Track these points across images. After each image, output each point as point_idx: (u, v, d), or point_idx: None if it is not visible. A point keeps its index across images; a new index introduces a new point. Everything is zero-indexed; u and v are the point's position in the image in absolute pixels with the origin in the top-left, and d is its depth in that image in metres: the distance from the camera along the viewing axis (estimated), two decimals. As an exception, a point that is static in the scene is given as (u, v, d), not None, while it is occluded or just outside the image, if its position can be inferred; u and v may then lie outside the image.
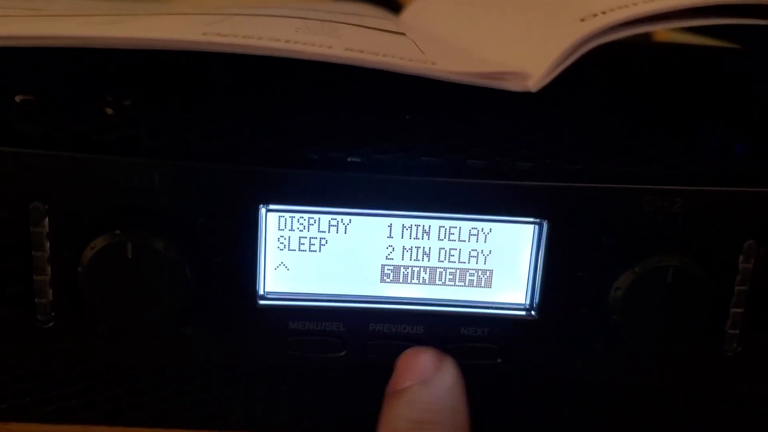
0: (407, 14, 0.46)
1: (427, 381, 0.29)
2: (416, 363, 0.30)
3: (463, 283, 0.31)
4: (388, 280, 0.30)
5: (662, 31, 0.47)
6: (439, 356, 0.30)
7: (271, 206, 0.29)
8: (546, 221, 0.29)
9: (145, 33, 0.23)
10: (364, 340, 0.30)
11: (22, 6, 0.34)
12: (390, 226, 0.30)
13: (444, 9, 0.40)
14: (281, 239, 0.30)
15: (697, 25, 0.24)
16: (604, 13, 0.23)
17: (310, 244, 0.30)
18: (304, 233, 0.30)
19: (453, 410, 0.28)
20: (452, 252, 0.30)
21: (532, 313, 0.30)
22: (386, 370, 0.30)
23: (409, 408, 0.28)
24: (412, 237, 0.30)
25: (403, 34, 0.32)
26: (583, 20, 0.23)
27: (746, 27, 0.26)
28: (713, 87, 0.32)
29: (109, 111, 0.28)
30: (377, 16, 0.41)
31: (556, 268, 0.30)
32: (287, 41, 0.23)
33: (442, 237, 0.30)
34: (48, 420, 0.32)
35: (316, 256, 0.30)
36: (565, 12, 0.24)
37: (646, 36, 0.49)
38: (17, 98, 0.29)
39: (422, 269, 0.30)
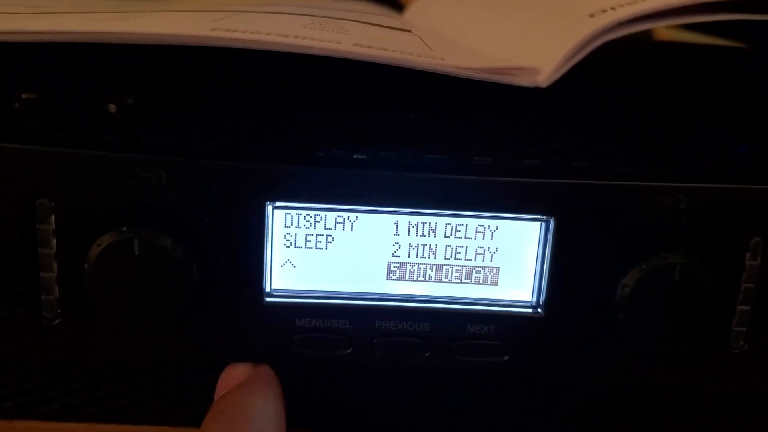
0: (411, 12, 0.46)
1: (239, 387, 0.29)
2: (230, 374, 0.30)
3: (469, 281, 0.31)
4: (394, 277, 0.30)
5: (666, 30, 0.47)
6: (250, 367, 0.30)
7: (278, 203, 0.29)
8: (552, 218, 0.29)
9: (155, 28, 0.23)
10: (370, 337, 0.30)
11: (25, 3, 0.34)
12: (396, 223, 0.30)
13: (448, 7, 0.40)
14: (288, 236, 0.30)
15: (705, 20, 0.24)
16: (613, 9, 0.23)
17: (317, 242, 0.30)
18: (311, 230, 0.30)
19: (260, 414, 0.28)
20: (458, 249, 0.30)
21: (539, 310, 0.30)
22: (393, 368, 0.30)
23: (216, 414, 0.28)
24: (419, 234, 0.30)
25: (409, 31, 0.32)
26: (592, 16, 0.23)
27: (752, 25, 0.26)
28: (717, 85, 0.32)
29: (112, 108, 0.28)
30: (381, 14, 0.41)
31: (562, 266, 0.30)
32: (296, 36, 0.23)
33: (448, 234, 0.30)
34: (52, 418, 0.32)
35: (323, 253, 0.30)
36: (574, 8, 0.24)
37: (650, 35, 0.49)
38: (23, 96, 0.28)
39: (428, 266, 0.30)
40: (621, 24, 0.23)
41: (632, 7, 0.23)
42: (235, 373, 0.30)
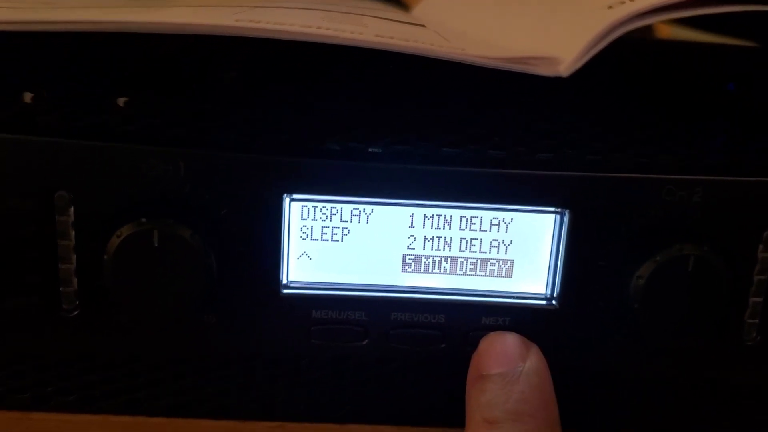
0: (419, 10, 0.46)
1: (518, 369, 0.28)
2: (504, 348, 0.29)
3: (484, 273, 0.31)
4: (409, 269, 0.31)
5: (677, 29, 0.47)
6: (525, 343, 0.30)
7: (295, 196, 0.29)
8: (567, 211, 0.30)
9: (180, 18, 0.23)
10: (386, 329, 0.30)
11: None
12: (411, 215, 0.30)
13: (457, 5, 0.40)
14: (304, 229, 0.30)
15: (722, 12, 0.24)
16: (631, 0, 0.23)
17: (333, 234, 0.30)
18: (327, 223, 0.30)
19: (546, 402, 0.28)
20: (473, 242, 0.31)
21: (553, 302, 0.31)
22: (408, 359, 0.30)
23: (503, 396, 0.28)
24: (434, 227, 0.30)
25: (424, 26, 0.32)
26: (611, 8, 0.23)
27: (763, 23, 0.26)
28: (729, 80, 0.33)
29: (121, 102, 0.29)
30: (393, 11, 0.41)
31: (576, 258, 0.30)
32: (319, 27, 0.23)
33: (463, 227, 0.30)
34: (69, 409, 0.32)
35: (339, 245, 0.30)
36: (592, 0, 0.24)
37: (658, 32, 0.49)
38: (40, 89, 0.29)
39: (443, 259, 0.31)
40: (639, 15, 0.23)
41: (650, -1, 0.23)
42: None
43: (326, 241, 0.30)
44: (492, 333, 0.30)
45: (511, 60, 0.22)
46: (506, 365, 0.29)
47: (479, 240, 0.30)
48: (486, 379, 0.28)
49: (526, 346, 0.30)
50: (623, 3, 0.23)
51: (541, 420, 0.28)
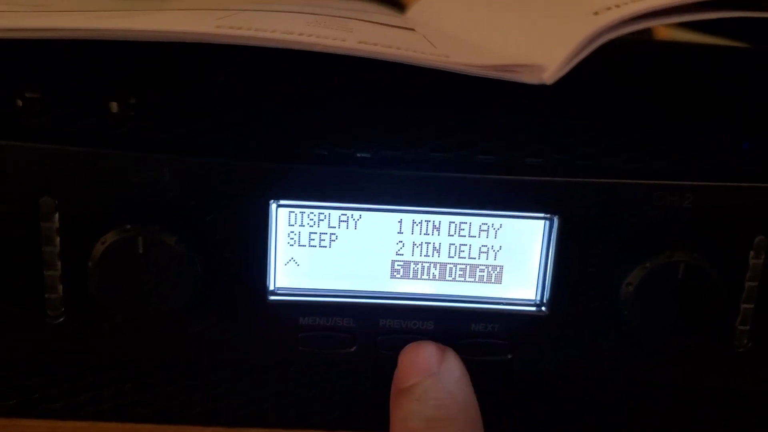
0: (413, 12, 0.46)
1: (434, 375, 0.28)
2: (420, 358, 0.29)
3: (473, 279, 0.31)
4: (398, 275, 0.30)
5: (669, 30, 0.47)
6: (440, 349, 0.30)
7: (282, 202, 0.29)
8: (556, 217, 0.29)
9: (160, 25, 0.23)
10: (374, 335, 0.30)
11: (27, 2, 0.34)
12: (400, 221, 0.30)
13: (451, 5, 0.40)
14: (291, 235, 0.30)
15: (708, 18, 0.24)
16: (617, 6, 0.23)
17: (320, 240, 0.30)
18: (314, 229, 0.30)
19: (464, 403, 0.28)
20: (462, 248, 0.30)
21: (543, 309, 0.30)
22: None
23: (420, 405, 0.28)
24: (422, 233, 0.30)
25: (412, 29, 0.32)
26: (596, 13, 0.23)
27: (755, 24, 0.26)
28: (721, 83, 0.32)
29: (114, 107, 0.28)
30: (384, 13, 0.41)
31: (566, 264, 0.30)
32: (300, 34, 0.23)
33: (452, 233, 0.30)
34: (55, 416, 0.32)
35: (326, 251, 0.30)
36: (579, 6, 0.24)
37: (651, 34, 0.49)
38: (26, 93, 0.28)
39: (432, 265, 0.30)
40: (625, 22, 0.23)
41: (636, 5, 0.23)
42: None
43: (314, 247, 0.30)
44: (409, 345, 0.30)
45: (496, 68, 0.22)
46: (420, 375, 0.28)
47: (468, 246, 0.30)
48: (402, 392, 0.28)
49: (440, 352, 0.29)
50: (609, 9, 0.23)
51: (461, 422, 0.27)
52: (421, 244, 0.30)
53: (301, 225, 0.30)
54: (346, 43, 0.23)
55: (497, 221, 0.30)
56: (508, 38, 0.27)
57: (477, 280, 0.31)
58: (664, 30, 0.48)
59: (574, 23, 0.23)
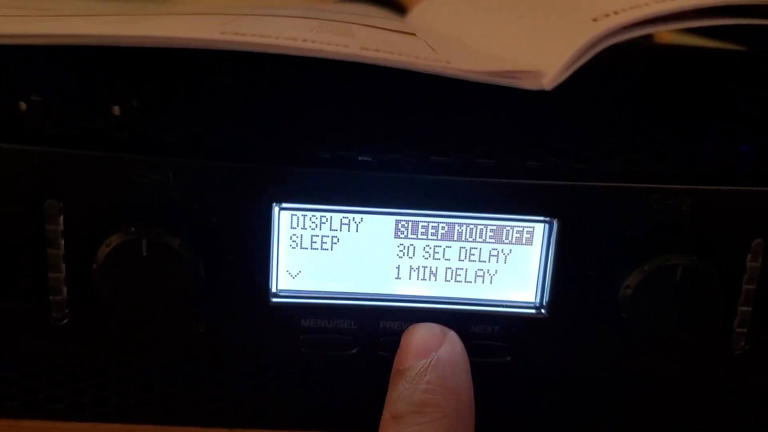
0: (414, 16, 0.47)
1: (429, 359, 0.28)
2: (417, 340, 0.29)
3: (472, 282, 0.31)
4: (398, 278, 0.31)
5: (668, 33, 0.47)
6: (441, 331, 0.29)
7: (284, 204, 0.29)
8: (556, 220, 0.30)
9: (164, 32, 0.23)
10: (375, 337, 0.31)
11: (31, 6, 0.34)
12: (401, 224, 0.30)
13: (452, 10, 0.40)
14: (293, 237, 0.30)
15: (706, 25, 0.24)
16: (616, 13, 0.23)
17: (322, 242, 0.30)
18: (316, 231, 0.30)
19: (456, 389, 0.28)
20: (462, 250, 0.31)
21: (542, 311, 0.31)
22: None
23: (411, 388, 0.27)
24: (423, 236, 0.30)
25: (413, 34, 0.32)
26: (595, 20, 0.23)
27: (753, 29, 0.26)
28: (720, 87, 0.33)
29: (116, 110, 0.29)
30: (384, 18, 0.41)
31: (565, 267, 0.30)
32: (304, 40, 0.23)
33: (452, 236, 0.30)
34: (59, 417, 0.32)
35: (328, 254, 0.30)
36: (578, 12, 0.24)
37: (652, 38, 0.49)
38: (30, 97, 0.29)
39: (432, 267, 0.31)
40: (624, 28, 0.23)
41: (635, 12, 0.23)
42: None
43: (316, 250, 0.30)
44: (413, 325, 0.30)
45: (495, 74, 0.22)
46: (418, 357, 0.28)
47: (468, 248, 0.31)
48: (398, 374, 0.28)
49: (442, 334, 0.29)
50: (608, 16, 0.23)
51: (449, 408, 0.27)
52: (421, 247, 0.30)
53: (303, 228, 0.30)
54: (349, 49, 0.23)
55: (497, 224, 0.30)
56: (508, 44, 0.28)
57: (477, 282, 0.31)
58: (664, 33, 0.48)
59: (573, 30, 0.23)
